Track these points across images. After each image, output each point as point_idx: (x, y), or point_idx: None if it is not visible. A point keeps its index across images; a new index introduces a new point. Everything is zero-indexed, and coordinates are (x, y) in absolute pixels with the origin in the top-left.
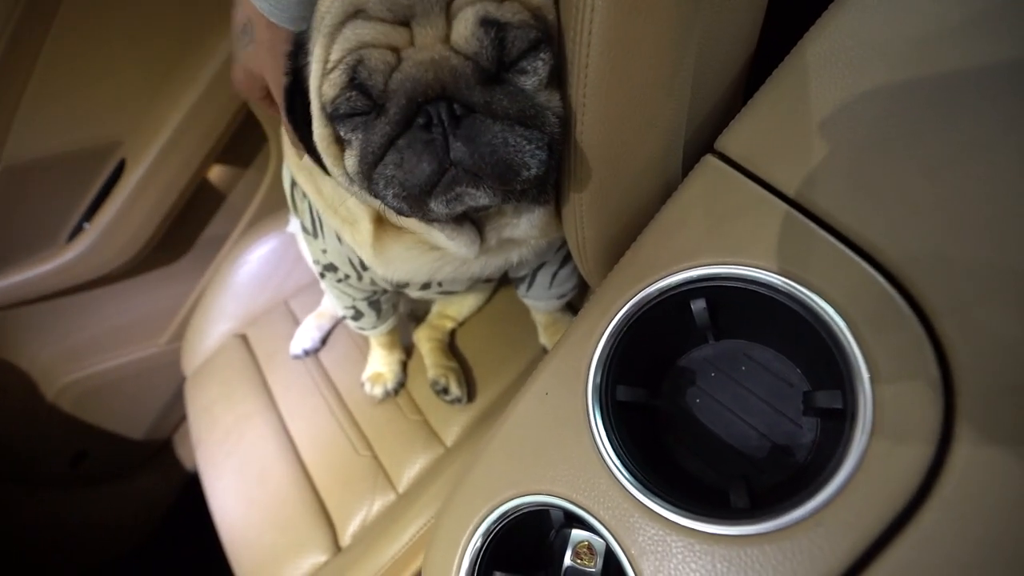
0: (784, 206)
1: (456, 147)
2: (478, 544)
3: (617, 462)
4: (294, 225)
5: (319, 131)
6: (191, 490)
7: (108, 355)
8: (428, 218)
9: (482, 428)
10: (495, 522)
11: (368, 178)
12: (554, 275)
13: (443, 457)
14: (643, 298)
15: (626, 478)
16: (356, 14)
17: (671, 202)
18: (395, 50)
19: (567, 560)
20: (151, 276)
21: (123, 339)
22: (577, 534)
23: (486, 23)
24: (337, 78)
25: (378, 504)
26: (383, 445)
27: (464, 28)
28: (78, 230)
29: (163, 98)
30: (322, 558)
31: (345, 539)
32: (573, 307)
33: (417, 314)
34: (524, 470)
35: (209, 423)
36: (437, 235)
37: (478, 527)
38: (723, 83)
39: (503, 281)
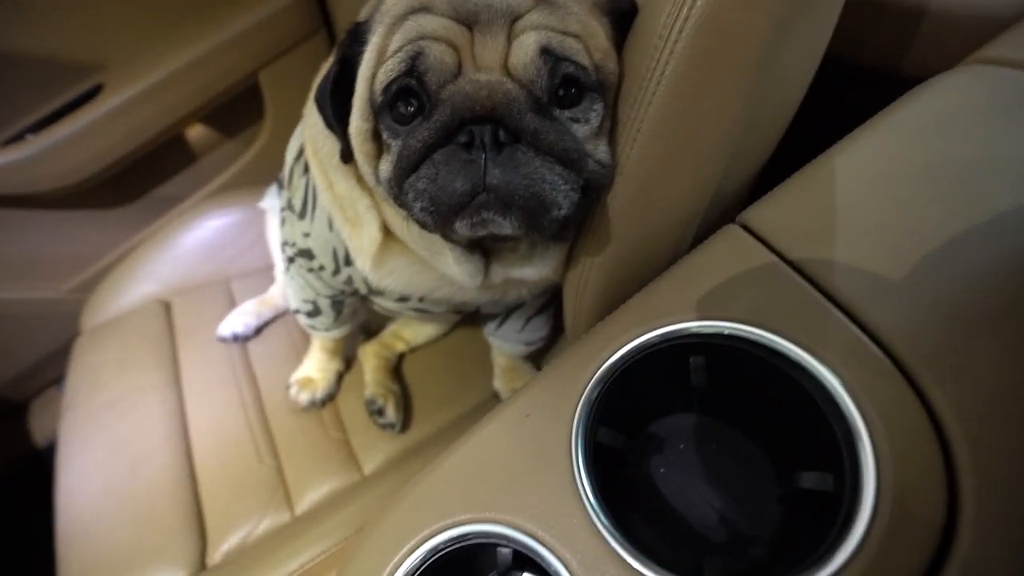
0: (803, 282)
1: (494, 173)
2: (412, 566)
3: (595, 503)
4: (268, 202)
5: (357, 124)
6: (28, 470)
7: None
8: (449, 237)
9: (406, 462)
10: (438, 546)
11: (399, 186)
12: (528, 319)
13: (357, 485)
14: (647, 340)
15: (602, 523)
16: (421, 9)
17: (690, 258)
18: (454, 48)
19: None
20: (80, 214)
21: (21, 272)
22: None
23: (545, 53)
24: (394, 65)
25: (267, 523)
26: (291, 458)
27: (523, 55)
28: (18, 139)
29: (166, 41)
30: (179, 575)
31: (215, 556)
32: (535, 359)
33: (369, 328)
34: (485, 492)
35: (92, 386)
36: (442, 260)
37: (418, 546)
38: (749, 169)
39: (469, 317)
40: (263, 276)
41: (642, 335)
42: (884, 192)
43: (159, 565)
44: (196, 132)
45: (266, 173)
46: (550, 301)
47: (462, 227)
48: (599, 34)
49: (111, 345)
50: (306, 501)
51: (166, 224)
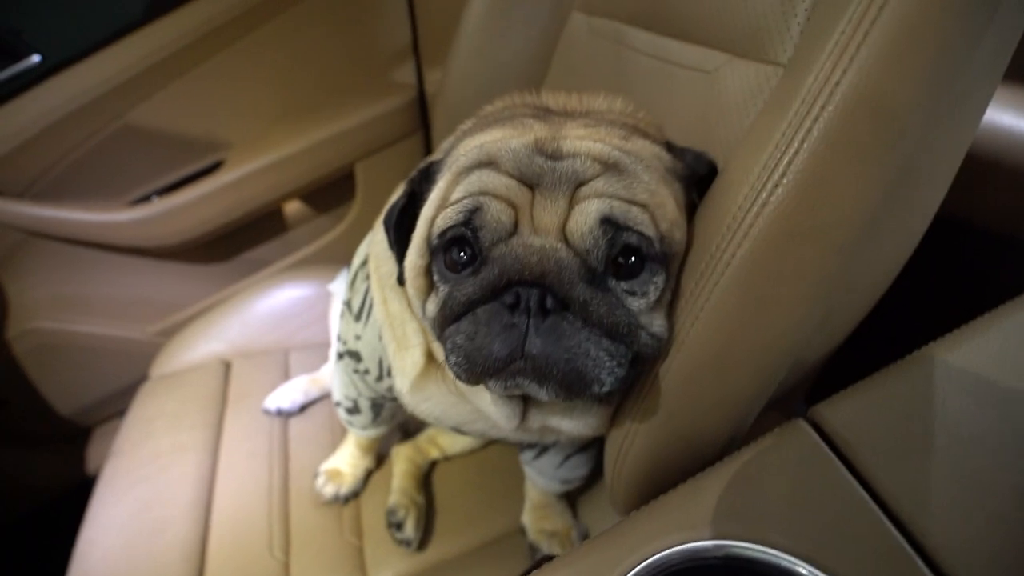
0: (881, 514)
1: (534, 341)
2: None
3: None
4: (337, 286)
5: (412, 258)
6: (78, 495)
7: (93, 320)
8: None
9: None
10: None
11: (441, 330)
12: (567, 456)
13: None
14: (691, 551)
15: None
16: (488, 164)
17: (747, 452)
18: (513, 207)
19: None
20: (178, 267)
21: (117, 312)
22: None
23: (606, 222)
24: (453, 215)
25: None
26: (301, 557)
27: (582, 222)
28: (144, 200)
29: (284, 130)
30: None
31: None
32: (571, 496)
33: (407, 428)
34: None
35: (142, 436)
36: (480, 398)
37: None
38: (822, 350)
39: None
40: (320, 352)
41: (675, 546)
42: (990, 412)
43: None
44: (290, 206)
45: (346, 253)
46: (593, 441)
47: (495, 387)
48: (668, 202)
49: (169, 398)
50: None
51: (244, 288)
